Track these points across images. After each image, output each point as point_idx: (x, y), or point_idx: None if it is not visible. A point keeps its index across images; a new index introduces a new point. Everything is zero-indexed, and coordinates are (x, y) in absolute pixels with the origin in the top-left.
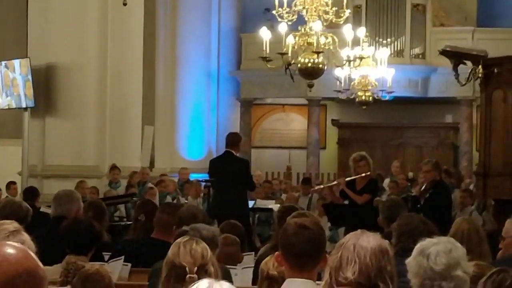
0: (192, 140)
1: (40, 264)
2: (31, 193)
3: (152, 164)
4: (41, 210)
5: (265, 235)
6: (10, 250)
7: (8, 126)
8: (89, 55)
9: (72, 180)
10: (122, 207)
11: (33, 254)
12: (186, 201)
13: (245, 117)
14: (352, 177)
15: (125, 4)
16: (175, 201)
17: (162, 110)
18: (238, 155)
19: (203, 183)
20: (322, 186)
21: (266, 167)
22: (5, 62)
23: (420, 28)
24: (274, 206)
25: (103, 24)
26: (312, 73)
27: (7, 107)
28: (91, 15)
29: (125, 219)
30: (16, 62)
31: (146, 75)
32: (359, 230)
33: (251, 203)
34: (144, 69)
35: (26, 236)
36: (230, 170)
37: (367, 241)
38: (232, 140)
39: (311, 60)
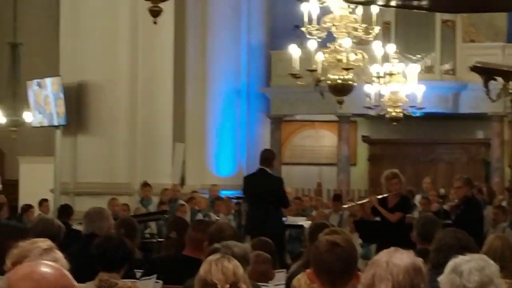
0: (222, 157)
1: (75, 282)
2: (65, 211)
3: (182, 181)
4: (73, 227)
5: (295, 252)
6: (47, 269)
7: (40, 144)
8: (120, 73)
9: (104, 197)
10: (153, 224)
11: (67, 272)
12: (217, 218)
13: (275, 134)
14: (384, 195)
15: (155, 23)
16: (206, 218)
17: (192, 127)
18: (271, 172)
19: (234, 200)
20: (353, 204)
21: (296, 184)
22: (37, 80)
23: (450, 44)
24: (305, 223)
25: (133, 42)
26: (342, 89)
27: (39, 125)
28: (122, 33)
29: (156, 236)
30: (48, 81)
31: (176, 92)
32: (392, 248)
33: None
34: (174, 86)
35: (59, 254)
36: (264, 187)
37: (400, 258)
38: (266, 157)
39: (341, 77)
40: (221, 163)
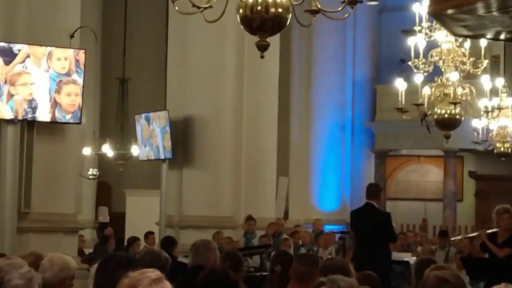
0: (326, 191)
1: None
2: (168, 243)
3: (286, 215)
4: (178, 259)
5: None
6: None
7: (146, 177)
8: (225, 107)
9: (208, 230)
10: (256, 258)
11: None
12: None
13: (379, 169)
14: (494, 230)
15: (262, 57)
16: (310, 252)
17: (297, 161)
18: (378, 206)
19: (338, 234)
20: (461, 237)
21: (401, 219)
22: (145, 114)
23: None
24: (410, 258)
25: (239, 77)
26: (449, 124)
27: (146, 159)
28: (228, 68)
29: (256, 269)
30: (155, 115)
31: (280, 126)
32: (502, 284)
33: None
34: (279, 120)
35: (168, 285)
36: (371, 222)
37: None
38: (373, 191)
39: (448, 111)
40: (325, 197)
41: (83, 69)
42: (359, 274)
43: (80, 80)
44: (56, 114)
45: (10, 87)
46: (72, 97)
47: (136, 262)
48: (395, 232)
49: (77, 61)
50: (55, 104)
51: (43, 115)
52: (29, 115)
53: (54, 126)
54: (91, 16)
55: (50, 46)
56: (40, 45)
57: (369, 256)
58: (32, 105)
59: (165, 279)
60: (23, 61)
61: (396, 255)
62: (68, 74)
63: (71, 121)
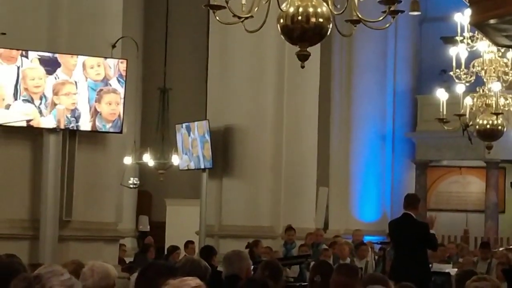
0: (366, 202)
1: None
2: (208, 252)
3: (326, 226)
4: (218, 269)
5: None
6: None
7: (187, 187)
8: (266, 117)
9: (248, 240)
10: (296, 267)
11: None
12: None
13: (420, 180)
14: None
15: (303, 67)
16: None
17: (337, 171)
18: (416, 217)
19: (378, 245)
20: (503, 248)
21: (442, 231)
22: (185, 124)
23: None
24: (451, 270)
25: (279, 87)
26: (491, 135)
27: (186, 168)
28: (269, 78)
29: (295, 279)
30: (195, 124)
31: (320, 136)
32: None
33: None
34: (319, 130)
35: None
36: (409, 233)
37: None
38: (411, 201)
39: (490, 122)
40: (365, 208)
41: (124, 78)
42: (397, 285)
43: (121, 90)
44: (97, 123)
45: (54, 96)
46: (112, 106)
47: (176, 271)
48: (436, 240)
49: (119, 71)
50: (95, 113)
51: (84, 124)
52: (72, 124)
53: (95, 135)
54: (133, 26)
55: (91, 55)
56: (73, 55)
57: (408, 267)
58: (75, 114)
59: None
60: (55, 71)
61: (437, 266)
62: (105, 81)
63: (111, 130)
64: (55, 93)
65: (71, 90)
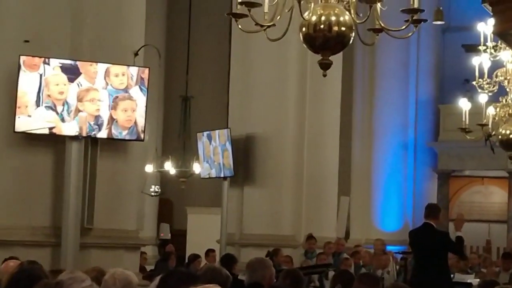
0: (388, 212)
1: None
2: (228, 260)
3: (347, 235)
4: (239, 277)
5: None
6: None
7: (208, 195)
8: (287, 126)
9: (268, 249)
10: (315, 277)
11: None
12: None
13: (442, 189)
14: None
15: (325, 75)
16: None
17: (358, 180)
18: (436, 227)
19: (399, 255)
20: None
21: (465, 241)
22: (207, 132)
23: None
24: (473, 280)
25: (301, 95)
26: None
27: (207, 176)
28: (290, 86)
29: None
30: (217, 133)
31: (342, 145)
32: None
33: None
34: (341, 139)
35: None
36: (429, 243)
37: None
38: (431, 211)
39: None
40: (386, 217)
41: (147, 86)
42: None
43: (143, 98)
44: (113, 130)
45: (78, 103)
46: (128, 113)
47: (197, 278)
48: (461, 244)
49: (141, 79)
50: (111, 120)
51: (101, 131)
52: (94, 132)
53: (117, 143)
54: (155, 35)
55: (114, 63)
56: (95, 62)
57: (428, 277)
58: (98, 121)
59: None
60: (76, 79)
61: (459, 277)
62: (125, 90)
63: (127, 137)
64: (80, 99)
65: (96, 96)
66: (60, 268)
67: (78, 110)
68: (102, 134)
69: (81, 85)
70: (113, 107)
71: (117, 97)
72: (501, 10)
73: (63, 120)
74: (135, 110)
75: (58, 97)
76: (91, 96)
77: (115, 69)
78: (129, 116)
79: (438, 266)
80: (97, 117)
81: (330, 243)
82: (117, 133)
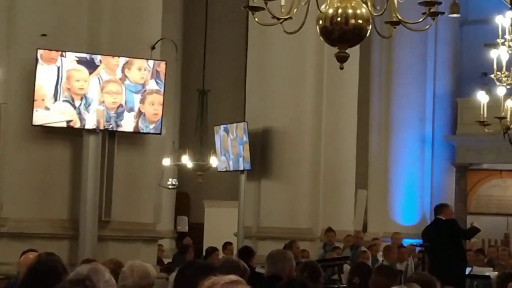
0: (406, 205)
1: None
2: (246, 253)
3: (365, 228)
4: (256, 270)
5: None
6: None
7: (225, 188)
8: (305, 119)
9: (286, 242)
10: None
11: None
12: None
13: (460, 183)
14: None
15: (341, 68)
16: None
17: (376, 174)
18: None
19: (418, 248)
20: None
21: (483, 234)
22: (224, 126)
23: None
24: (492, 273)
25: (318, 89)
26: None
27: (224, 170)
28: (307, 80)
29: (338, 282)
30: (234, 126)
31: (360, 139)
32: None
33: (467, 270)
34: (358, 133)
35: (247, 287)
36: (440, 234)
37: None
38: (438, 209)
39: None
40: (404, 211)
41: (163, 80)
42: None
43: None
44: (140, 124)
45: (100, 93)
46: (155, 106)
47: (215, 270)
48: (470, 230)
49: (157, 72)
50: (139, 114)
51: (127, 125)
52: (114, 125)
53: (134, 136)
54: (172, 28)
55: (131, 57)
56: (113, 56)
57: (443, 270)
58: (117, 112)
59: (245, 284)
60: (96, 71)
61: (478, 270)
62: (143, 85)
63: (152, 131)
64: (101, 89)
65: (117, 89)
66: (78, 261)
67: (99, 101)
68: (129, 127)
69: (101, 78)
70: (142, 100)
71: (145, 90)
72: None
73: (80, 113)
74: (162, 104)
75: (78, 92)
76: (111, 88)
77: (137, 63)
78: (156, 110)
79: (450, 257)
80: (117, 109)
81: (349, 236)
82: (143, 126)
